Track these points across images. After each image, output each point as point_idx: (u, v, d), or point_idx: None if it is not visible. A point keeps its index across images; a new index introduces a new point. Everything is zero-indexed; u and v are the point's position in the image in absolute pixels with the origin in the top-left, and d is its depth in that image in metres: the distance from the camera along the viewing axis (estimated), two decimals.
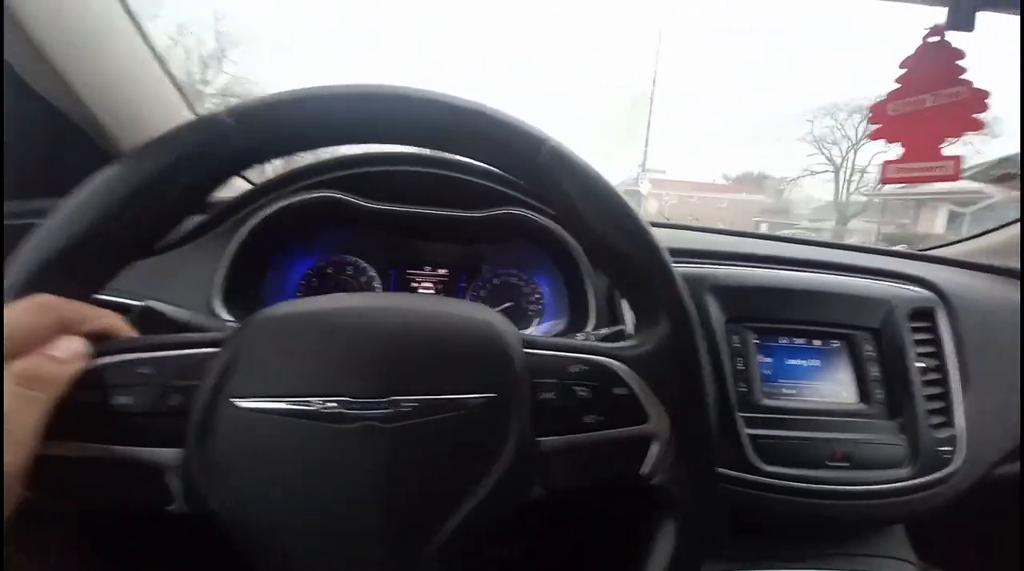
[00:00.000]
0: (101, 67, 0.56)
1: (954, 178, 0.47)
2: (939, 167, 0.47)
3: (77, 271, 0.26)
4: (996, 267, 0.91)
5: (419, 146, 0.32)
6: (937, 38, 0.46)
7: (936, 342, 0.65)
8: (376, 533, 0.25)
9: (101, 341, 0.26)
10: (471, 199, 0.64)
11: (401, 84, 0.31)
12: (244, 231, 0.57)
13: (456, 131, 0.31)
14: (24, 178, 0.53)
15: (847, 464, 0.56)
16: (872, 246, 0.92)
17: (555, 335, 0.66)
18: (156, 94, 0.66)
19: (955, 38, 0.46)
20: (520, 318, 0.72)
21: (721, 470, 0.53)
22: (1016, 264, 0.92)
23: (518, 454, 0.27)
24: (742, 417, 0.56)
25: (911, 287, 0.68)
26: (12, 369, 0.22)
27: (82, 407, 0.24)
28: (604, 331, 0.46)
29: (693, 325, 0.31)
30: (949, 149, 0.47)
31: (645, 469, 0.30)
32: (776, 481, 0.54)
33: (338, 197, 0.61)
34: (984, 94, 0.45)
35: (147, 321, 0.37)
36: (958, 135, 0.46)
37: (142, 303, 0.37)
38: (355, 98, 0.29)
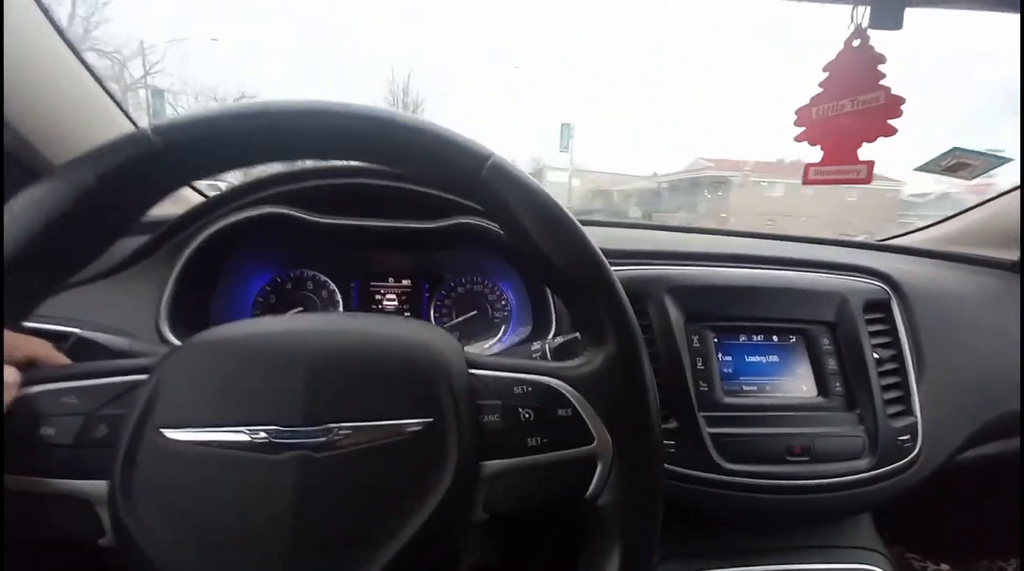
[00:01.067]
0: (26, 79, 0.52)
1: (867, 181, 0.48)
2: (854, 171, 0.49)
3: (2, 299, 0.24)
4: (955, 254, 0.93)
5: (357, 161, 0.31)
6: (859, 41, 0.47)
7: (891, 332, 0.66)
8: (310, 567, 0.24)
9: (29, 369, 0.25)
10: (424, 209, 0.63)
11: (338, 100, 0.29)
12: (188, 250, 0.55)
13: (395, 147, 0.29)
14: None
15: (807, 458, 0.56)
16: (830, 238, 0.93)
17: (519, 343, 0.65)
18: (91, 109, 0.62)
19: (877, 42, 0.46)
20: (487, 327, 0.71)
21: (685, 470, 0.54)
22: (974, 250, 0.93)
23: (457, 479, 0.26)
24: (704, 416, 0.56)
25: (865, 279, 0.69)
26: None
27: (10, 438, 0.23)
28: (560, 339, 0.46)
29: (638, 345, 0.31)
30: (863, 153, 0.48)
31: (590, 491, 0.30)
32: (739, 479, 0.55)
33: (286, 213, 0.59)
34: (900, 100, 0.46)
35: (82, 350, 0.36)
36: (872, 140, 0.47)
37: (72, 331, 0.36)
38: (287, 114, 0.28)
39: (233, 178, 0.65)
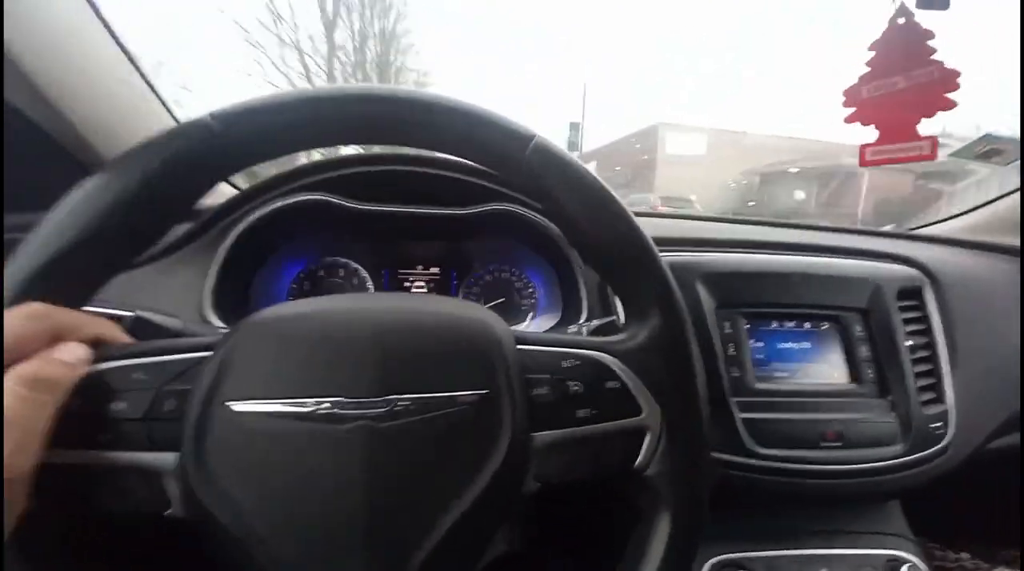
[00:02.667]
0: (78, 78, 0.55)
1: (931, 157, 0.47)
2: (916, 148, 0.48)
3: (67, 281, 0.26)
4: (986, 244, 0.92)
5: (406, 146, 0.32)
6: (903, 19, 0.47)
7: (925, 320, 0.66)
8: (367, 533, 0.25)
9: (96, 347, 0.26)
10: (458, 196, 0.64)
11: (386, 85, 0.31)
12: (231, 237, 0.57)
13: (442, 130, 0.31)
14: (2, 192, 0.52)
15: (840, 443, 0.57)
16: (860, 228, 0.92)
17: (548, 330, 0.66)
18: (137, 104, 0.66)
19: (924, 18, 0.47)
20: (514, 313, 0.72)
21: (717, 454, 0.54)
22: (1006, 240, 0.92)
23: (512, 449, 0.27)
24: (736, 401, 0.56)
25: (898, 267, 0.69)
26: (15, 373, 0.21)
27: (81, 413, 0.24)
28: (595, 322, 0.47)
29: (683, 318, 0.31)
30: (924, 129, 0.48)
31: (639, 461, 0.30)
32: (771, 463, 0.55)
33: (325, 199, 0.61)
34: (955, 74, 0.45)
35: (139, 331, 0.37)
36: (931, 115, 0.47)
37: (132, 313, 0.37)
38: (340, 100, 0.29)
39: (269, 167, 0.68)
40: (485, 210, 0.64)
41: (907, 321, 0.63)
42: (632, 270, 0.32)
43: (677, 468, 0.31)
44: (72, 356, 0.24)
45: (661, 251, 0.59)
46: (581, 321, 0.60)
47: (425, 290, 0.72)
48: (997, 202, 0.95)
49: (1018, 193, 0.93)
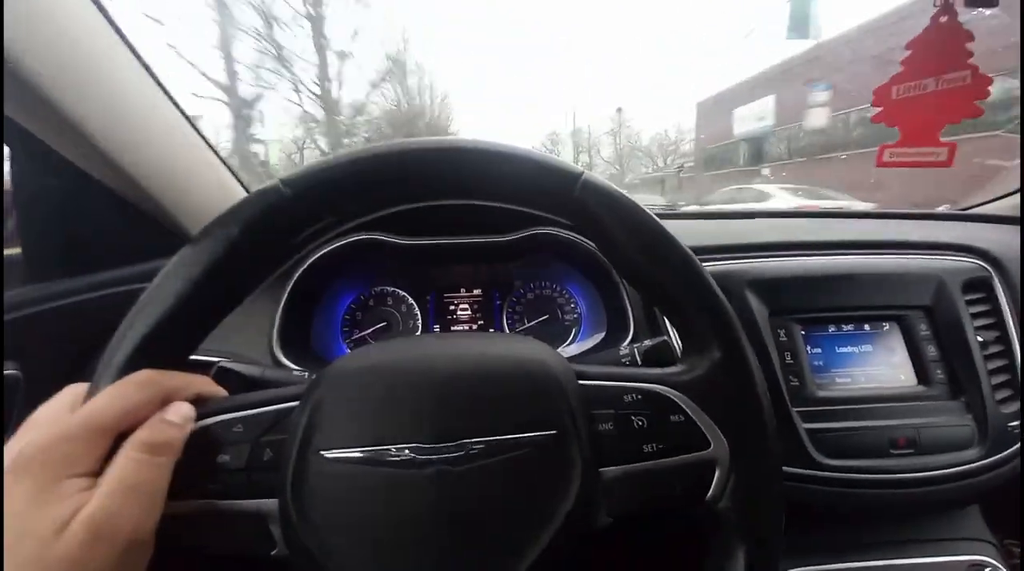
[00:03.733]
0: (156, 158, 0.57)
1: (948, 165, 0.48)
2: (934, 154, 0.48)
3: (171, 346, 0.28)
4: None
5: (462, 199, 0.33)
6: (946, 17, 0.45)
7: (995, 312, 0.62)
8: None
9: (198, 404, 0.28)
10: (498, 222, 0.67)
11: (442, 138, 0.32)
12: (292, 280, 0.62)
13: (492, 179, 0.32)
14: (90, 253, 0.57)
15: (912, 450, 0.55)
16: (912, 211, 0.86)
17: (595, 347, 0.67)
18: (211, 179, 0.69)
19: (966, 18, 0.45)
20: (558, 330, 0.73)
21: (786, 468, 0.53)
22: None
23: (584, 485, 0.28)
24: (797, 412, 0.55)
25: (961, 257, 0.65)
26: (135, 439, 0.23)
27: (191, 467, 0.26)
28: (647, 343, 0.47)
29: (745, 352, 0.31)
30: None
31: (710, 494, 0.31)
32: (839, 475, 0.53)
33: (374, 238, 0.65)
34: (988, 80, 0.45)
35: (222, 379, 0.39)
36: (957, 121, 0.47)
37: (216, 362, 0.40)
38: (396, 156, 0.31)
39: None
40: (525, 235, 0.66)
41: (976, 315, 0.61)
42: (691, 306, 0.32)
43: (749, 502, 0.31)
44: (181, 416, 0.26)
45: (705, 260, 0.61)
46: (628, 340, 0.62)
47: (469, 312, 0.75)
48: None
49: None
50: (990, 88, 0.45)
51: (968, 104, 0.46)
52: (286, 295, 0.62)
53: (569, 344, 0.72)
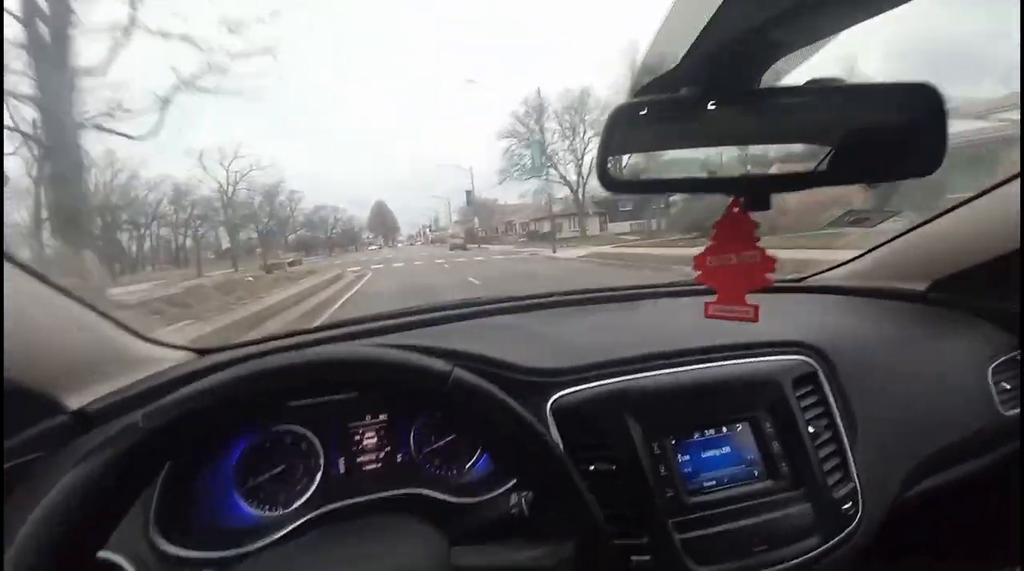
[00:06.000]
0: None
1: (754, 320, 0.58)
2: (744, 311, 0.58)
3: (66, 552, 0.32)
4: (870, 289, 1.02)
5: (343, 394, 0.39)
6: (736, 208, 0.55)
7: (823, 402, 0.69)
8: None
9: None
10: None
11: (309, 350, 0.36)
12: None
13: (373, 382, 0.36)
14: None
15: (766, 546, 0.59)
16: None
17: (499, 468, 0.68)
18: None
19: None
20: (465, 448, 0.74)
21: None
22: (892, 284, 1.03)
23: None
24: (673, 523, 0.58)
25: (792, 354, 0.73)
26: None
27: None
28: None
29: (602, 536, 0.37)
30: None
31: None
32: None
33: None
34: (772, 260, 0.55)
35: None
36: (754, 289, 0.57)
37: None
38: (250, 377, 0.35)
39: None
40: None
41: (807, 408, 0.67)
42: (553, 496, 0.37)
43: None
44: None
45: (585, 379, 0.68)
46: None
47: (376, 439, 0.73)
48: (880, 248, 1.06)
49: (893, 241, 1.05)
50: (775, 264, 0.55)
51: (760, 276, 0.56)
52: (161, 476, 0.57)
53: (475, 462, 0.75)
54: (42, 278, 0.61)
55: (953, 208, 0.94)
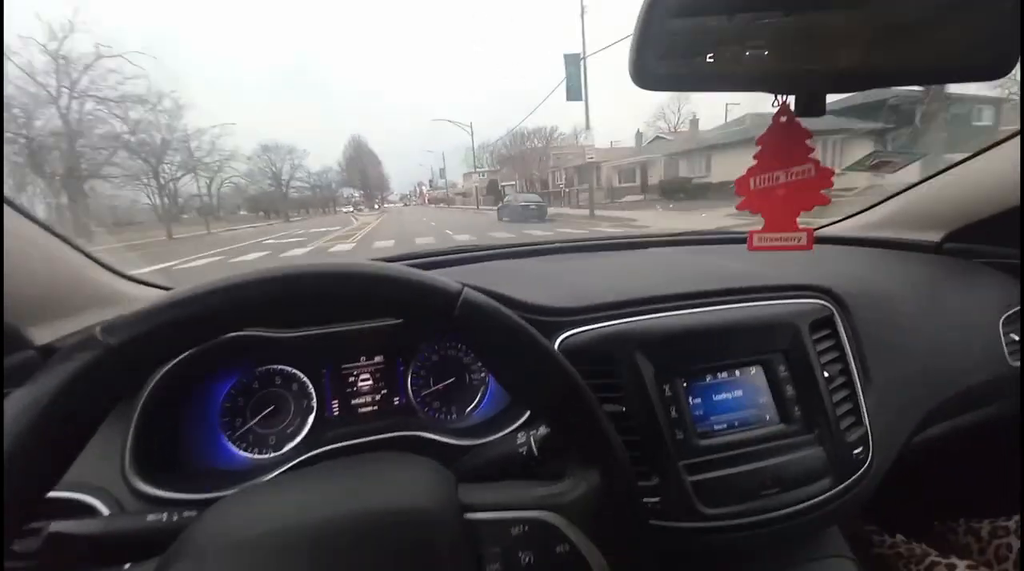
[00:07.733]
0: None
1: (808, 248, 0.51)
2: (795, 238, 0.51)
3: (11, 490, 0.26)
4: (882, 240, 0.99)
5: (337, 320, 0.33)
6: (786, 117, 0.48)
7: (838, 347, 0.68)
8: None
9: None
10: None
11: (304, 264, 0.30)
12: (147, 388, 0.54)
13: (371, 300, 0.31)
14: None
15: (778, 488, 0.58)
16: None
17: (500, 413, 0.66)
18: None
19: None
20: (465, 392, 0.72)
21: (672, 523, 0.56)
22: (902, 235, 1.01)
23: None
24: (683, 465, 0.57)
25: (809, 297, 0.71)
26: None
27: None
28: (543, 431, 0.47)
29: (625, 473, 0.34)
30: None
31: None
32: (720, 523, 0.56)
33: (252, 334, 0.58)
34: (829, 172, 0.48)
35: (57, 546, 0.35)
36: (809, 209, 0.50)
37: (48, 528, 0.36)
38: (240, 287, 0.29)
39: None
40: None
41: (822, 352, 0.66)
42: (572, 424, 0.34)
43: None
44: None
45: (595, 319, 0.62)
46: (521, 422, 0.61)
47: (371, 382, 0.70)
48: (889, 201, 1.03)
49: (905, 191, 1.02)
50: (832, 178, 0.48)
51: (816, 194, 0.49)
52: (139, 407, 0.53)
53: (476, 405, 0.71)
54: (11, 203, 0.55)
55: (966, 159, 0.92)
